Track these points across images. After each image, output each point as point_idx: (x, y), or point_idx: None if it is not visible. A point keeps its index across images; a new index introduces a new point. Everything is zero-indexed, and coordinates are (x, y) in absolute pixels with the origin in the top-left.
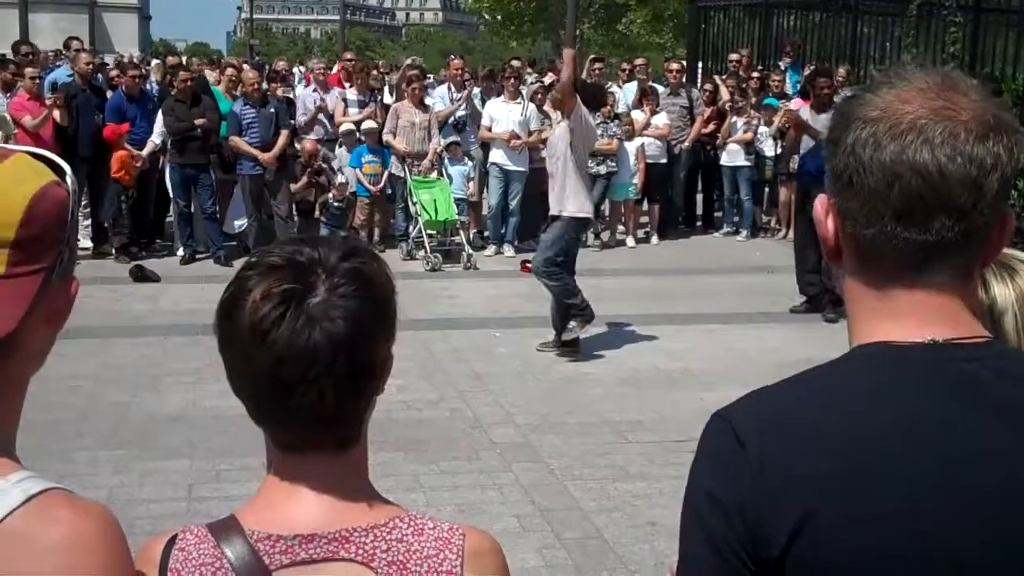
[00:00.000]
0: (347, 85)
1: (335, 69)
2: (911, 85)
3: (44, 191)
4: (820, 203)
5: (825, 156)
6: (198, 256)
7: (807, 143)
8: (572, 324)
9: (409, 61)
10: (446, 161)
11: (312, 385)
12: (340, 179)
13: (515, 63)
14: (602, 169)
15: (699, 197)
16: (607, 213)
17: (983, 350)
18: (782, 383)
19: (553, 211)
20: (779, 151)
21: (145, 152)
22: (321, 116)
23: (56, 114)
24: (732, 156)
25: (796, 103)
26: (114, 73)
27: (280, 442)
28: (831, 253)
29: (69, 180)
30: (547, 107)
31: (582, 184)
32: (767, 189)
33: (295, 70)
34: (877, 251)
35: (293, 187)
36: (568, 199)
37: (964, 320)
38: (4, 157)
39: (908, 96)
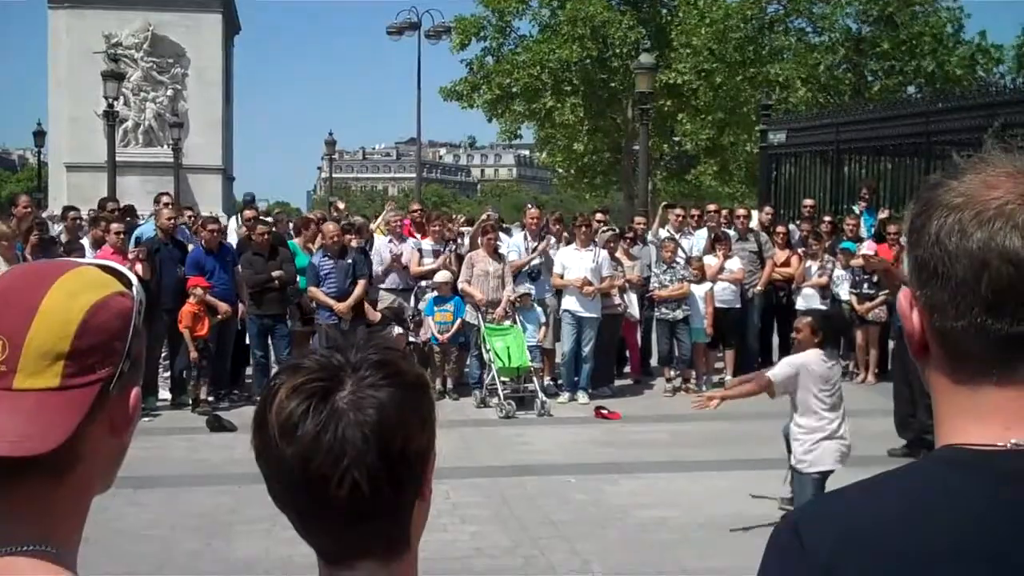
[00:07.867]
0: (416, 236)
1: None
2: (997, 170)
3: (104, 302)
4: (904, 296)
5: (907, 246)
6: None
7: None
8: None
9: (485, 216)
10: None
11: (345, 476)
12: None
13: (600, 216)
14: (679, 314)
15: (775, 341)
16: (682, 357)
17: None
18: (853, 488)
19: None
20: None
21: (220, 315)
22: (396, 265)
23: (139, 268)
24: (808, 300)
25: (869, 246)
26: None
27: (327, 553)
28: (917, 348)
29: (135, 290)
30: (619, 254)
31: None
32: None
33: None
34: (965, 345)
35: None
36: None
37: None
38: (67, 270)
39: (995, 181)
